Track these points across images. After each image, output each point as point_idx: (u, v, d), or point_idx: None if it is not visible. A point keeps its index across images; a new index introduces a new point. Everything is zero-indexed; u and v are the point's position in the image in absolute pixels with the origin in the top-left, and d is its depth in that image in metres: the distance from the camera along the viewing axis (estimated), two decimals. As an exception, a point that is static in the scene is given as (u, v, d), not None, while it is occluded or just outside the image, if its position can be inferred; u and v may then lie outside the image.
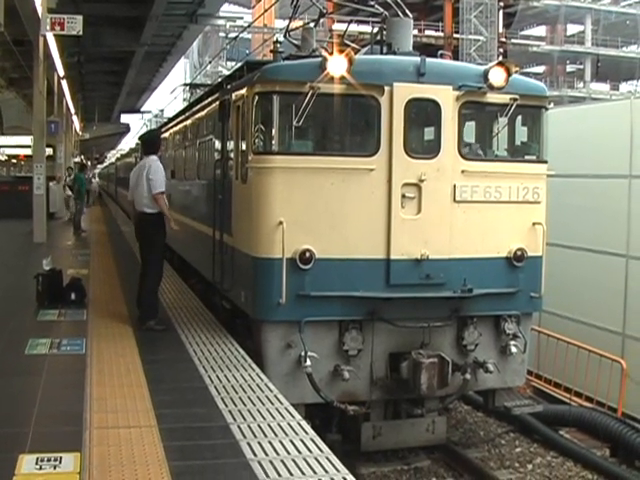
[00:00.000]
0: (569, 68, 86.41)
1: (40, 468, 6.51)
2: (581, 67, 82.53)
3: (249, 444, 7.24)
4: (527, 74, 58.97)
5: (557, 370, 15.83)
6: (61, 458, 6.72)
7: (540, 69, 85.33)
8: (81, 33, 21.14)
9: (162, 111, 75.76)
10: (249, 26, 45.58)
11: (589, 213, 16.22)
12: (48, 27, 20.51)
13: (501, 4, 72.62)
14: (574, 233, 16.36)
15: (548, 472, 12.61)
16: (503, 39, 74.46)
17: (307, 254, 10.80)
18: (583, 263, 16.30)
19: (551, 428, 13.90)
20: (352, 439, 11.69)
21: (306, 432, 7.72)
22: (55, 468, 6.53)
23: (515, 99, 11.55)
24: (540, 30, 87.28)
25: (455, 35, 70.12)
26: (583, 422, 13.77)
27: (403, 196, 11.09)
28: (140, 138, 13.69)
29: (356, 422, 11.61)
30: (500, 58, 55.99)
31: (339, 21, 51.24)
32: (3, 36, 23.52)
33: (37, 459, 6.68)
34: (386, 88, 11.06)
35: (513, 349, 11.80)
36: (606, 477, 12.41)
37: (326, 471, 6.65)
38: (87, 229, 31.11)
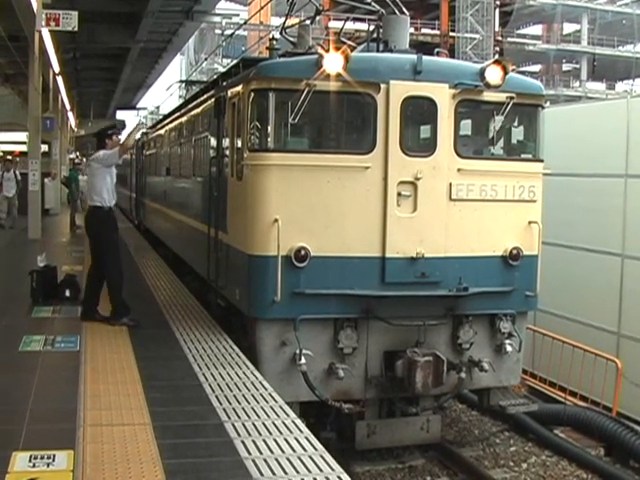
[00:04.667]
0: (565, 67, 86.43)
1: (33, 466, 6.49)
2: (577, 66, 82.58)
3: (243, 442, 7.22)
4: (523, 73, 59.00)
5: (552, 369, 15.81)
6: (54, 456, 6.69)
7: (536, 68, 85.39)
8: (76, 29, 21.07)
9: (158, 108, 75.68)
10: (245, 23, 45.44)
11: (585, 212, 16.20)
12: (43, 22, 20.43)
13: (497, 2, 72.65)
14: (570, 232, 16.35)
15: (543, 471, 12.60)
16: (499, 37, 74.50)
17: (302, 252, 10.77)
18: (579, 262, 16.28)
19: (546, 427, 13.89)
20: (347, 437, 11.67)
21: (301, 430, 7.70)
22: (48, 466, 6.50)
23: (511, 97, 11.53)
24: (536, 29, 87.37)
25: (451, 33, 70.11)
26: (578, 421, 13.75)
27: (399, 194, 11.06)
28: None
29: (351, 420, 11.59)
30: (496, 57, 56.01)
31: (335, 19, 51.19)
32: (-1, 32, 23.49)
33: (30, 457, 6.65)
34: (382, 86, 11.04)
35: (508, 348, 11.79)
36: (600, 476, 12.40)
37: (320, 470, 6.62)
38: (82, 226, 31.00)
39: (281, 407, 8.42)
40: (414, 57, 11.29)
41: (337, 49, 10.56)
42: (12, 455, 6.68)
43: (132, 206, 35.14)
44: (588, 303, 15.99)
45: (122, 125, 73.50)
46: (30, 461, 6.58)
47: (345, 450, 11.46)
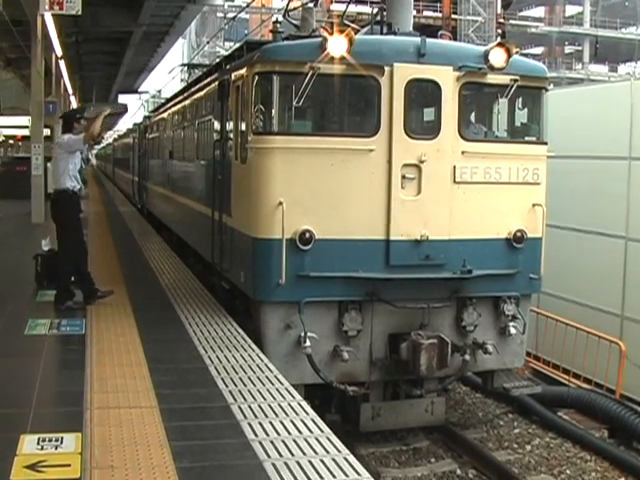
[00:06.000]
0: (567, 49, 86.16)
1: (42, 448, 6.52)
2: (580, 48, 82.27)
3: (250, 424, 7.25)
4: (525, 55, 58.82)
5: (556, 351, 15.84)
6: (62, 438, 6.73)
7: (538, 50, 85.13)
8: (80, 13, 20.98)
9: (160, 91, 75.57)
10: (247, 6, 45.33)
11: (588, 195, 16.20)
12: (47, 6, 20.33)
13: (500, -15, 72.33)
14: (573, 215, 16.35)
15: (546, 453, 12.64)
16: (501, 20, 74.11)
17: (307, 235, 10.79)
18: (582, 245, 16.29)
19: (550, 409, 13.93)
20: (351, 419, 11.72)
21: (306, 412, 7.73)
22: (57, 448, 6.53)
23: (515, 80, 11.52)
24: (539, 11, 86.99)
25: (453, 16, 69.77)
26: (582, 403, 13.79)
27: (403, 177, 11.07)
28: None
29: (355, 403, 11.63)
30: (499, 39, 55.77)
31: (337, 1, 51.06)
32: (2, 16, 23.41)
33: (39, 439, 6.69)
34: (386, 68, 11.03)
35: (512, 330, 11.82)
36: (604, 458, 12.42)
37: (327, 451, 6.66)
38: (85, 210, 30.98)
39: (287, 389, 8.45)
40: (418, 40, 11.28)
41: (341, 32, 10.55)
42: (20, 438, 6.71)
43: (135, 190, 35.15)
44: (592, 286, 16.01)
45: (124, 108, 73.37)
46: (38, 444, 6.61)
47: (349, 432, 11.48)
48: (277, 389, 8.43)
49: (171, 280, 14.85)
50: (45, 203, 27.79)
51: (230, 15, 55.88)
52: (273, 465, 6.32)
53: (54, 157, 12.78)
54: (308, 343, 10.79)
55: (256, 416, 7.50)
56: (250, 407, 7.76)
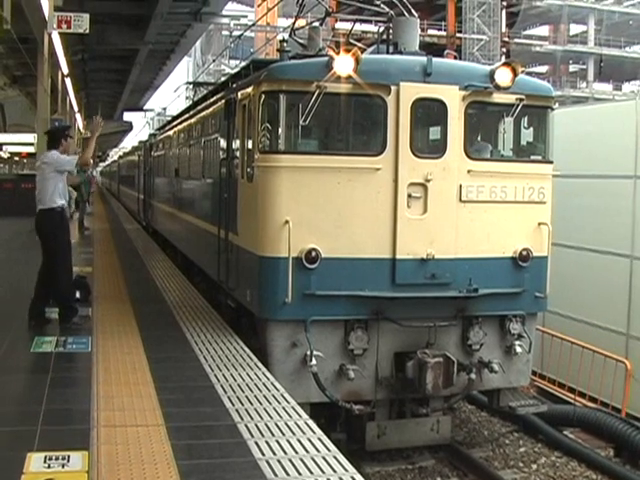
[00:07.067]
0: (572, 68, 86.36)
1: (49, 466, 6.51)
2: (584, 67, 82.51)
3: (257, 443, 7.24)
4: (530, 74, 58.93)
5: (561, 370, 15.82)
6: (69, 457, 6.71)
7: (543, 69, 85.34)
8: (87, 31, 21.11)
9: (165, 109, 75.80)
10: (253, 24, 45.53)
11: (594, 213, 16.22)
12: (55, 25, 20.47)
13: (504, 3, 72.63)
14: (579, 233, 16.36)
15: (552, 472, 12.61)
16: (506, 39, 74.46)
17: (313, 253, 10.81)
18: (588, 263, 16.29)
19: (555, 428, 13.91)
20: (357, 438, 11.70)
21: (313, 431, 7.72)
22: (63, 467, 6.52)
23: (521, 99, 11.55)
24: (543, 30, 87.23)
25: (458, 34, 70.03)
26: (587, 422, 13.77)
27: (409, 196, 11.10)
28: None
29: (361, 421, 11.61)
30: (503, 58, 55.96)
31: (342, 20, 51.19)
32: (9, 33, 23.49)
33: (45, 457, 6.68)
34: (392, 88, 11.07)
35: (518, 349, 11.81)
36: (610, 477, 12.42)
37: (334, 470, 6.65)
38: (90, 227, 31.05)
39: (293, 408, 8.44)
40: (424, 59, 11.32)
41: (347, 51, 10.58)
42: (27, 456, 6.70)
43: (140, 207, 35.21)
44: (597, 304, 16.00)
45: (129, 126, 73.39)
46: (45, 462, 6.60)
47: (355, 451, 11.46)
48: (283, 408, 8.43)
49: (176, 298, 14.85)
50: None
51: (236, 33, 56.05)
52: (281, 484, 6.32)
53: (41, 175, 12.28)
54: (314, 362, 10.77)
55: (263, 435, 7.50)
56: (257, 426, 7.75)
